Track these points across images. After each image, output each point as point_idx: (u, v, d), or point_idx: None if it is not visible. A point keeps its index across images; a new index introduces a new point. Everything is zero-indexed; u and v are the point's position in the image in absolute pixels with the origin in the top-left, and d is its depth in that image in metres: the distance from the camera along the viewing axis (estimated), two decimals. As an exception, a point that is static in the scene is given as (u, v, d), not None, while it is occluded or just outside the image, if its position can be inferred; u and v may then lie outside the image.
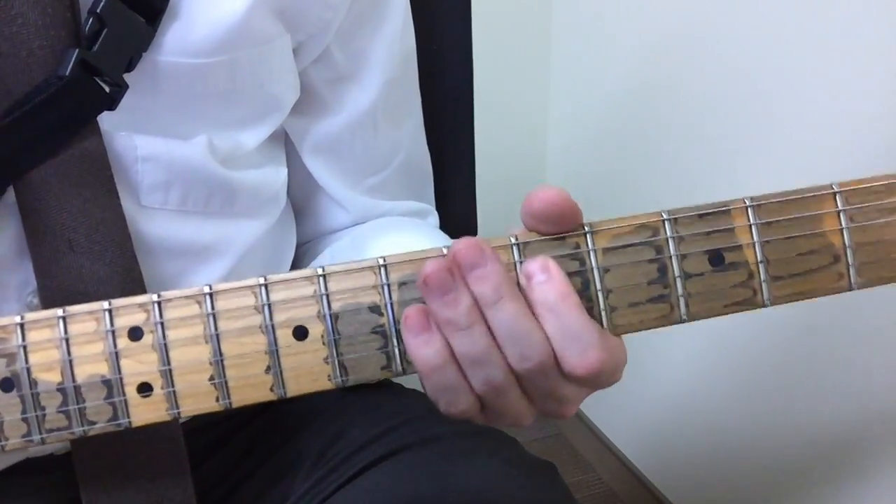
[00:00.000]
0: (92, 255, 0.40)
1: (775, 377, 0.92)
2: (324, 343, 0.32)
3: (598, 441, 1.28)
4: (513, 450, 0.53)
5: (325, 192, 0.58)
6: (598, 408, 1.29)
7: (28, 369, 0.32)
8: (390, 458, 0.51)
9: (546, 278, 0.32)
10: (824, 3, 0.76)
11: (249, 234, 0.51)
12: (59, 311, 0.32)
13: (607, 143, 1.16)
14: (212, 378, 0.32)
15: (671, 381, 1.11)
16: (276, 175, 0.53)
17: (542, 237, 0.33)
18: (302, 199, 0.59)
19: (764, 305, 0.33)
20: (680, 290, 0.33)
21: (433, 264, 0.31)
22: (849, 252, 0.33)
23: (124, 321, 0.32)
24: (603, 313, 0.33)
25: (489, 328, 0.32)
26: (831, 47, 0.76)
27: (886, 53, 0.70)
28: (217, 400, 0.32)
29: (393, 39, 0.54)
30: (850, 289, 0.33)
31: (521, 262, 0.33)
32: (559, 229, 0.33)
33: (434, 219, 0.64)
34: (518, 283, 0.33)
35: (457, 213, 0.69)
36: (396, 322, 0.33)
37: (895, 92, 0.70)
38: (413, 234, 0.56)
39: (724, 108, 0.91)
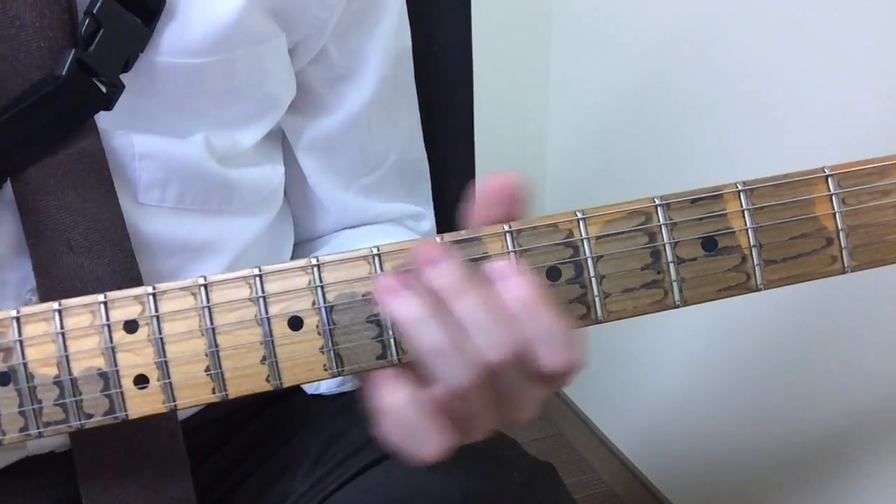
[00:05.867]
0: (90, 254, 0.40)
1: (775, 377, 0.92)
2: (319, 333, 0.32)
3: (598, 441, 1.27)
4: (512, 451, 0.53)
5: (312, 193, 0.57)
6: (598, 408, 1.28)
7: (25, 363, 0.32)
8: (390, 457, 0.50)
9: (514, 280, 0.31)
10: (822, 4, 0.76)
11: (247, 232, 0.51)
12: (55, 305, 0.32)
13: (608, 143, 1.16)
14: (208, 369, 0.32)
15: (671, 382, 1.11)
16: (274, 173, 0.53)
17: (536, 225, 0.33)
18: (290, 202, 0.59)
19: (757, 289, 0.33)
20: (673, 276, 0.33)
21: (383, 277, 0.32)
22: (841, 235, 0.33)
23: (120, 314, 0.32)
24: (597, 299, 0.33)
25: (457, 326, 0.31)
26: (829, 49, 0.76)
27: (879, 51, 0.70)
28: (213, 391, 0.32)
29: (388, 37, 0.54)
30: (844, 272, 0.33)
31: (514, 252, 0.33)
32: (507, 211, 0.33)
33: (429, 222, 0.63)
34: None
35: (457, 213, 0.69)
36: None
37: (888, 85, 0.70)
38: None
39: (724, 109, 0.91)
